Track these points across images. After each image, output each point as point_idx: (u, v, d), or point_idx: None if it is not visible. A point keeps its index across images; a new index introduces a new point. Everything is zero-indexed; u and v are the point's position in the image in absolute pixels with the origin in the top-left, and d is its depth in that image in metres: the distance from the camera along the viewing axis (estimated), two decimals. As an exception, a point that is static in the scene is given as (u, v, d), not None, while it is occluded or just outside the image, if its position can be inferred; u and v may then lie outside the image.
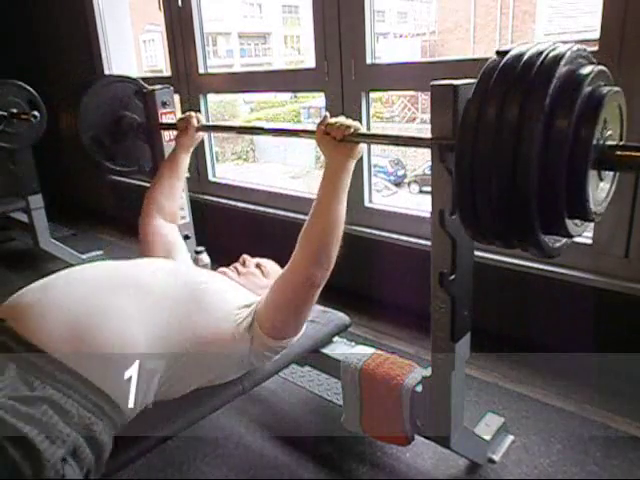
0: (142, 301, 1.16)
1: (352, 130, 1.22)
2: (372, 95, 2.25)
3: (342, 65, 2.21)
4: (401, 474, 1.43)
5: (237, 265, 1.54)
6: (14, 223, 3.35)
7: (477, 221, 0.91)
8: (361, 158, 2.22)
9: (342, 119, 1.24)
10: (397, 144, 1.32)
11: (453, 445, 1.30)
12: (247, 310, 1.28)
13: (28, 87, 2.72)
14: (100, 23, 3.49)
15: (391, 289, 2.25)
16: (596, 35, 1.59)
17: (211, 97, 3.02)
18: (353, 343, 1.63)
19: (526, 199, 0.82)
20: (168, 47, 3.01)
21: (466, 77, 1.04)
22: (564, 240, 0.97)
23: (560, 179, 0.81)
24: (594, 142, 0.81)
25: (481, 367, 1.84)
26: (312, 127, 1.31)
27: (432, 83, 1.05)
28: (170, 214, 1.66)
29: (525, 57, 0.84)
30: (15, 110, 2.64)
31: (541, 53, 0.83)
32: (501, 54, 0.88)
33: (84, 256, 3.04)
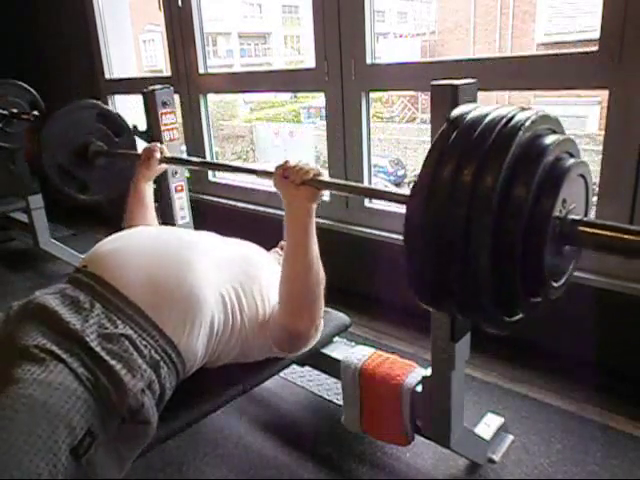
0: (211, 265, 1.25)
1: (311, 175, 1.20)
2: (372, 95, 2.25)
3: (342, 65, 2.21)
4: (401, 474, 1.43)
5: (277, 250, 1.60)
6: (14, 223, 3.36)
7: (425, 289, 0.87)
8: (361, 158, 2.25)
9: (302, 163, 1.22)
10: (362, 194, 1.22)
11: (453, 445, 1.30)
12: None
13: (28, 87, 2.73)
14: (100, 23, 3.49)
15: (391, 289, 2.25)
16: (596, 35, 1.59)
17: (211, 97, 3.02)
18: (353, 343, 1.63)
19: (478, 274, 0.76)
20: (168, 47, 3.01)
21: (466, 77, 1.04)
22: (520, 315, 0.89)
23: (516, 254, 0.75)
24: (555, 215, 0.76)
25: (481, 367, 1.85)
26: (273, 166, 1.27)
27: (432, 83, 1.06)
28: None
29: (484, 122, 0.78)
30: (15, 110, 2.64)
31: (502, 118, 0.77)
32: (458, 118, 0.83)
33: (84, 256, 3.03)
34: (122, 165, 2.03)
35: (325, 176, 1.23)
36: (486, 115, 0.80)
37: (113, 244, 1.27)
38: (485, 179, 0.73)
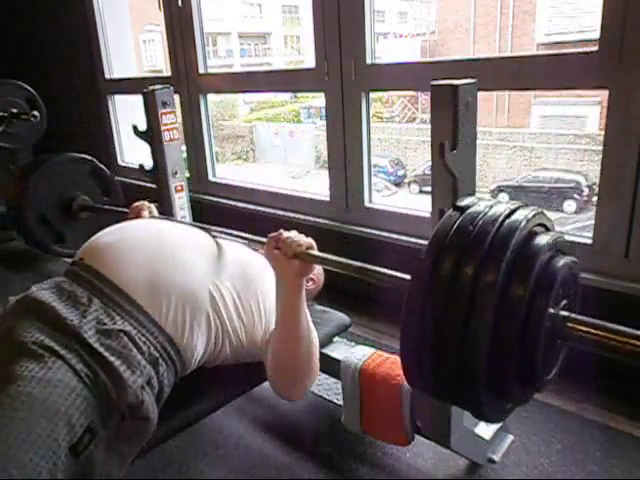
0: (211, 263, 1.25)
1: (303, 248, 1.18)
2: (372, 95, 2.25)
3: (342, 65, 2.21)
4: (401, 474, 1.43)
5: None
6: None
7: (421, 378, 0.88)
8: (361, 158, 2.25)
9: (294, 235, 1.21)
10: (355, 273, 1.19)
11: (453, 445, 1.30)
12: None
13: (28, 87, 2.73)
14: (100, 23, 3.49)
15: (391, 289, 2.25)
16: (596, 35, 1.59)
17: (211, 97, 3.03)
18: (353, 343, 1.63)
19: (474, 366, 0.78)
20: (168, 47, 3.02)
21: (466, 77, 1.04)
22: (510, 405, 0.92)
23: (512, 347, 0.78)
24: (549, 311, 0.80)
25: (481, 367, 1.84)
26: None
27: (432, 83, 1.06)
28: None
29: (481, 221, 0.82)
30: (15, 110, 2.65)
31: (498, 218, 0.81)
32: (458, 209, 0.87)
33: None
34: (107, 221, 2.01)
35: (316, 250, 1.21)
36: (484, 213, 0.84)
37: (112, 236, 1.26)
38: (485, 277, 0.77)
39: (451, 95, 1.02)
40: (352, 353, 1.48)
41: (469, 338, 0.77)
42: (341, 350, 1.56)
